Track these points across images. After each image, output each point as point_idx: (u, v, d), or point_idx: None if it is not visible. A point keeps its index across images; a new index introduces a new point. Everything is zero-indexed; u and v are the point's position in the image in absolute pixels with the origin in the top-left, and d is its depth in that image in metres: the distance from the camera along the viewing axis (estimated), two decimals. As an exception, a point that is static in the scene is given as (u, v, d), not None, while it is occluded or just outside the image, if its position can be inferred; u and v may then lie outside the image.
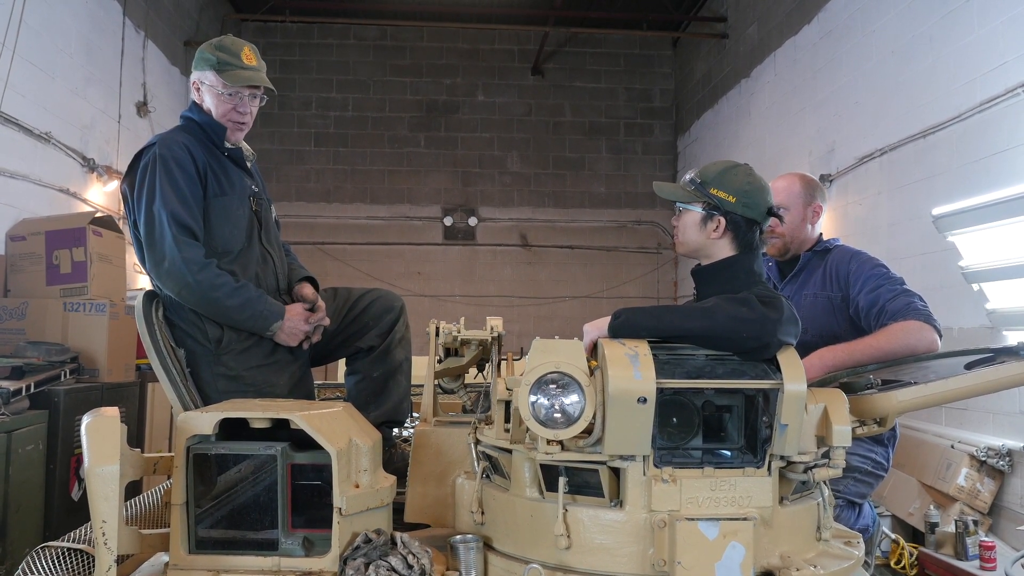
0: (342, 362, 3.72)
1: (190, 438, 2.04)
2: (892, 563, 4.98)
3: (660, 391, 1.96)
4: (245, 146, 3.02)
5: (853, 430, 2.22)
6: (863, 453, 3.09)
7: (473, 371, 2.91)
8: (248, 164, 3.02)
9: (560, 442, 2.01)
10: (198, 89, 2.89)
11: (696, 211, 2.37)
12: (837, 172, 7.26)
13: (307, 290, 2.99)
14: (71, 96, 6.65)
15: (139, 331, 2.73)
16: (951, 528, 4.63)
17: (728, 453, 2.09)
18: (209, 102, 2.87)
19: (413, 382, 3.19)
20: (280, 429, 2.06)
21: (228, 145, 2.92)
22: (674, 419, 2.08)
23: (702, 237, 2.37)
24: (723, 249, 2.36)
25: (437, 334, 2.69)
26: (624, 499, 2.02)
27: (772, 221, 3.27)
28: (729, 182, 2.34)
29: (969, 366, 2.49)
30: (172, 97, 9.03)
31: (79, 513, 4.78)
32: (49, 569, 2.08)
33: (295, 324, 2.80)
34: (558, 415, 1.99)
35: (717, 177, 2.36)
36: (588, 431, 2.01)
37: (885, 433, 2.89)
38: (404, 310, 3.14)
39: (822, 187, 3.47)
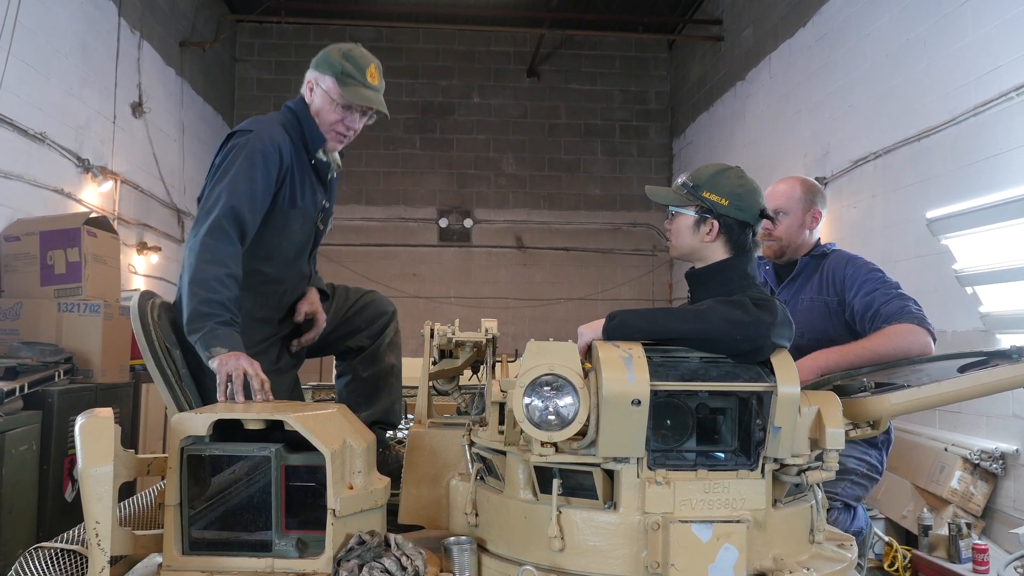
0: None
1: (184, 439, 2.03)
2: (885, 566, 4.99)
3: (654, 393, 1.97)
4: (335, 156, 2.94)
5: (846, 433, 2.22)
6: (858, 456, 3.10)
7: (468, 373, 2.92)
8: (329, 176, 2.96)
9: (554, 444, 2.01)
10: (311, 89, 2.82)
11: (689, 215, 2.38)
12: (831, 175, 7.27)
13: (302, 307, 2.93)
14: (66, 96, 6.63)
15: (134, 332, 2.71)
16: (944, 531, 4.64)
17: (722, 455, 2.09)
18: (319, 105, 2.80)
19: (407, 383, 3.19)
20: (274, 431, 2.06)
21: (320, 156, 2.86)
22: (668, 421, 2.08)
23: (696, 240, 2.37)
24: (717, 252, 2.37)
25: (432, 336, 2.69)
26: (618, 501, 2.02)
27: (768, 223, 3.31)
28: (721, 185, 2.35)
29: (963, 369, 2.50)
30: (167, 98, 9.02)
31: (72, 514, 4.77)
32: (42, 570, 2.08)
33: (236, 366, 2.34)
34: (552, 417, 1.99)
35: (709, 180, 2.36)
36: (582, 433, 2.01)
37: (879, 436, 2.90)
38: (395, 315, 3.15)
39: (824, 193, 3.47)
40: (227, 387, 2.34)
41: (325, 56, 2.80)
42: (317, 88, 2.81)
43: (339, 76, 2.75)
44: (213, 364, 2.38)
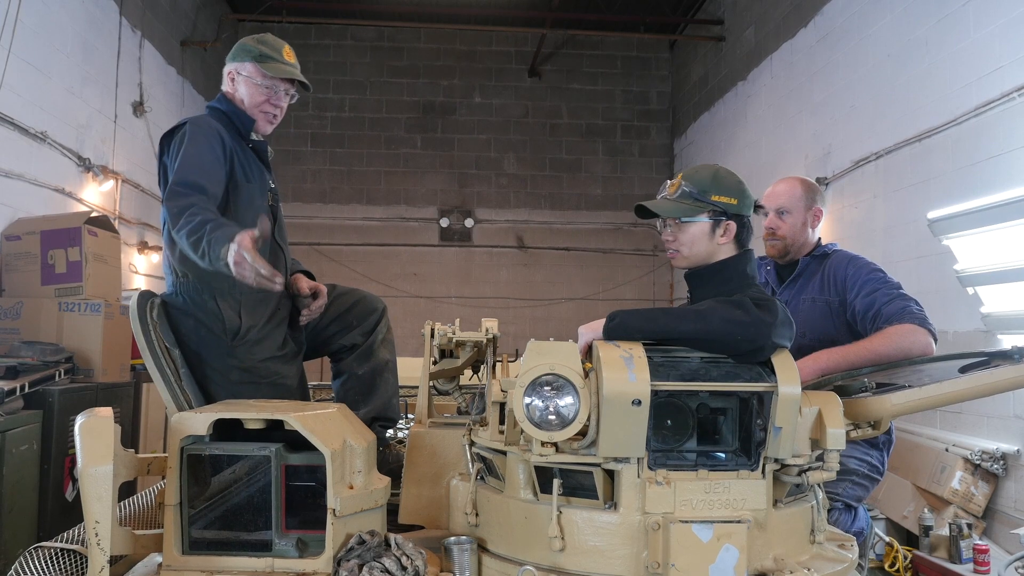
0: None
1: (184, 439, 2.03)
2: (886, 566, 4.99)
3: (655, 393, 1.97)
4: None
5: (847, 433, 2.22)
6: (859, 456, 3.10)
7: (468, 372, 2.92)
8: (270, 157, 3.08)
9: (554, 444, 2.01)
10: (232, 79, 2.95)
11: (703, 221, 2.36)
12: (833, 175, 7.27)
13: (303, 283, 3.00)
14: (67, 95, 6.63)
15: (133, 331, 2.71)
16: (945, 531, 4.64)
17: (722, 455, 2.09)
18: (243, 92, 2.93)
19: (408, 383, 3.19)
20: (274, 430, 2.06)
21: (254, 137, 2.98)
22: (668, 421, 2.08)
23: (712, 245, 2.36)
24: (724, 252, 2.37)
25: (432, 335, 2.69)
26: (618, 501, 2.02)
27: (775, 223, 3.34)
28: (725, 186, 2.36)
29: (963, 370, 2.50)
30: (168, 97, 9.02)
31: (72, 513, 4.77)
32: (42, 570, 2.08)
33: (236, 257, 2.30)
34: (552, 417, 1.99)
35: (713, 183, 2.36)
36: (582, 433, 2.01)
37: (880, 437, 2.90)
38: (386, 312, 3.19)
39: (822, 191, 3.49)
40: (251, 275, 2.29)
41: (240, 46, 2.95)
42: (238, 77, 2.94)
43: (257, 58, 2.89)
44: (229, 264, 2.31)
